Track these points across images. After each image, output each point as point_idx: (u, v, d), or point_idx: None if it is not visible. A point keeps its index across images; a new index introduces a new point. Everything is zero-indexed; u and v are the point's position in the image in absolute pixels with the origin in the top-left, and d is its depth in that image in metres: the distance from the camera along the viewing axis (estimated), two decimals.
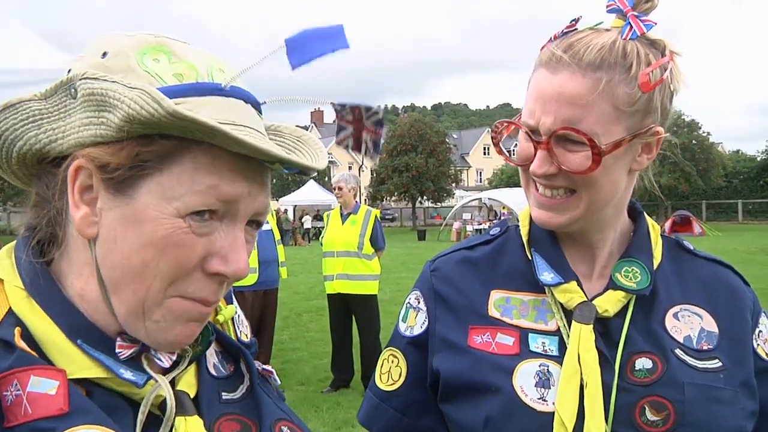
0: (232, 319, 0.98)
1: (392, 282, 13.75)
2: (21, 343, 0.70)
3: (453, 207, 39.48)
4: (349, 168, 62.47)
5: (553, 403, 1.06)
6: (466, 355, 1.16)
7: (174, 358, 0.80)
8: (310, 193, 38.29)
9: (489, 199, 34.28)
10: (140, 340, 0.77)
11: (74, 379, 0.72)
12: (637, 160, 1.13)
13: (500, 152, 1.25)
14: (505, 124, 1.21)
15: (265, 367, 0.96)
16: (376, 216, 6.90)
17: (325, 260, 6.96)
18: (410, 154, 45.00)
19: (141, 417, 0.75)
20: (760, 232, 32.12)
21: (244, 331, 1.01)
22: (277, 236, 7.03)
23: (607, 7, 1.12)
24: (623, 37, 1.06)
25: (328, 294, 7.02)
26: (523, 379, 1.09)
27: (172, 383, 0.80)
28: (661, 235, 1.24)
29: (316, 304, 11.73)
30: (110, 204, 0.74)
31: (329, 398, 6.60)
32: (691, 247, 1.25)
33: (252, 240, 0.82)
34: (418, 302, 1.28)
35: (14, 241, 0.82)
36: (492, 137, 1.25)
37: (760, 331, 1.18)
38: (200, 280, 0.76)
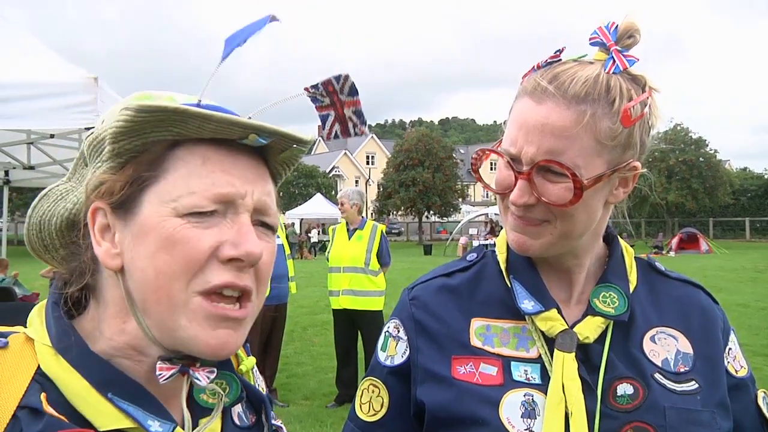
0: (252, 370, 1.02)
1: (398, 297, 13.58)
2: (49, 409, 0.73)
3: (459, 222, 39.47)
4: (356, 182, 62.50)
5: None
6: (451, 387, 1.14)
7: (212, 376, 0.82)
8: (316, 207, 38.30)
9: (495, 214, 34.23)
10: (179, 351, 0.80)
11: None
12: (614, 193, 1.14)
13: (479, 179, 1.24)
14: (486, 152, 1.21)
15: (277, 423, 1.02)
16: (382, 231, 6.93)
17: (331, 275, 6.96)
18: (417, 168, 45.05)
19: None
20: None
21: (261, 385, 1.05)
22: (287, 251, 7.02)
23: (590, 39, 1.13)
24: (606, 71, 1.08)
25: (333, 309, 7.02)
26: (510, 411, 1.09)
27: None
28: (634, 258, 1.26)
29: (321, 318, 11.72)
30: (124, 231, 0.79)
31: (334, 413, 6.57)
32: (663, 269, 1.28)
33: (268, 241, 0.84)
34: (398, 331, 1.27)
35: (44, 301, 0.87)
36: (472, 164, 1.26)
37: (730, 349, 1.20)
38: (218, 269, 0.77)
